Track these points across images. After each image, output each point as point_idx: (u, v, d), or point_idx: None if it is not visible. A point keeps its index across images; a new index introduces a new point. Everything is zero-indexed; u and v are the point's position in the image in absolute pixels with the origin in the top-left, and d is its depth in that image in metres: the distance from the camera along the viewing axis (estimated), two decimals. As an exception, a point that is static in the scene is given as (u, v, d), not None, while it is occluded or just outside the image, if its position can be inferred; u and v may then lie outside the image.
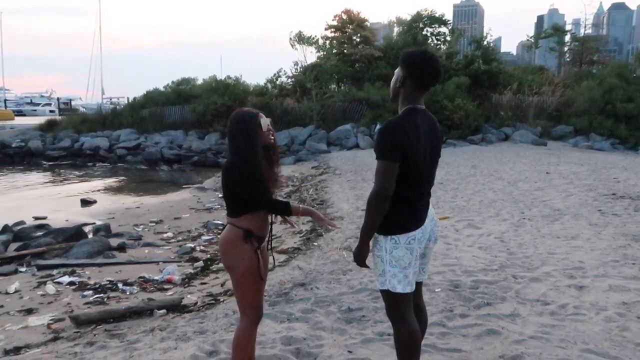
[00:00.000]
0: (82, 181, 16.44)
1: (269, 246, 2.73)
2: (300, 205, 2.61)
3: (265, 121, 2.54)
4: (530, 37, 32.38)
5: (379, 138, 2.28)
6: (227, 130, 2.59)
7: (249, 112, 2.56)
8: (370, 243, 2.41)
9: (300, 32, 23.78)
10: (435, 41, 25.86)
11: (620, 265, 4.85)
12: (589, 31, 35.23)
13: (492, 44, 25.11)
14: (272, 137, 2.58)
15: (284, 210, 2.53)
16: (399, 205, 2.31)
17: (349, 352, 3.18)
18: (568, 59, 29.93)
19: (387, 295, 2.41)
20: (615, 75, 20.64)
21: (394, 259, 2.35)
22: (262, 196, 2.46)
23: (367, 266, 2.44)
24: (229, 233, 2.54)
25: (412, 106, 2.36)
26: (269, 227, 2.65)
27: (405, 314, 2.41)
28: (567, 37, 29.73)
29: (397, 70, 2.41)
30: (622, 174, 11.36)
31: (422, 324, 2.65)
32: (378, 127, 19.75)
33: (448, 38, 26.02)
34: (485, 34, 25.35)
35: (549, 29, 30.03)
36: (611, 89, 19.57)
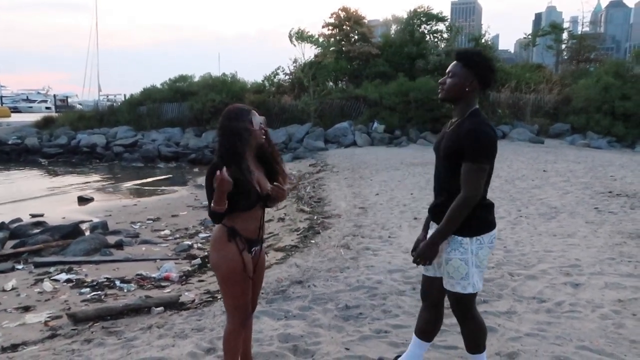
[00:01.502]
0: (79, 178, 16.41)
1: (262, 244, 2.65)
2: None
3: (257, 119, 2.44)
4: (528, 35, 32.40)
5: (478, 141, 2.24)
6: (217, 127, 2.48)
7: (241, 110, 2.45)
8: (445, 249, 2.39)
9: (300, 29, 23.73)
10: (433, 38, 25.84)
11: (616, 262, 4.88)
12: (587, 29, 35.43)
13: (490, 42, 25.12)
14: (264, 137, 2.48)
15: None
16: (483, 206, 2.36)
17: (346, 349, 3.19)
18: (565, 57, 29.95)
19: (466, 297, 2.42)
20: (613, 74, 20.67)
21: (478, 259, 2.37)
22: (249, 198, 2.40)
23: (429, 264, 2.40)
24: (216, 231, 2.49)
25: (478, 107, 2.37)
26: (261, 229, 2.55)
27: (476, 310, 2.54)
28: (565, 35, 29.74)
29: (457, 70, 2.35)
30: (619, 171, 11.40)
31: (438, 326, 2.72)
32: (376, 125, 19.88)
33: (445, 35, 26.01)
34: (483, 32, 25.35)
35: (547, 27, 30.04)
36: (608, 87, 19.60)
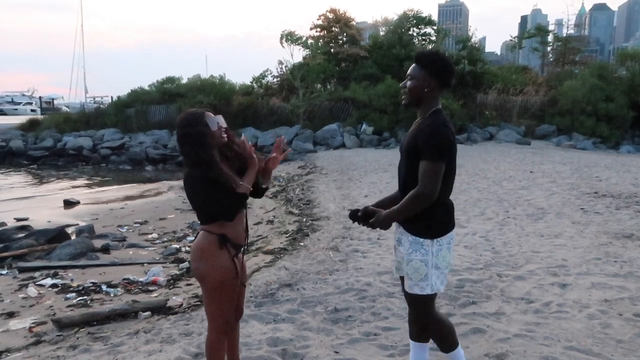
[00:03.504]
0: (65, 181, 16.21)
1: (245, 248, 2.56)
2: (242, 183, 2.37)
3: (213, 120, 2.35)
4: (514, 37, 32.73)
5: (433, 139, 2.26)
6: (177, 137, 2.40)
7: (193, 114, 2.36)
8: (406, 250, 2.41)
9: (290, 31, 23.72)
10: (421, 41, 25.99)
11: (602, 263, 4.93)
12: (572, 31, 35.71)
13: (476, 44, 25.31)
14: (225, 135, 2.38)
15: (245, 198, 2.38)
16: (442, 208, 2.36)
17: (336, 352, 3.18)
18: (551, 59, 30.29)
19: (425, 298, 2.42)
20: (597, 76, 20.95)
21: (438, 260, 2.38)
22: (235, 198, 2.32)
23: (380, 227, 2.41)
24: (203, 239, 2.37)
25: (439, 107, 2.39)
26: (247, 233, 2.50)
27: (435, 311, 2.51)
28: (550, 37, 30.08)
29: (415, 73, 2.38)
30: (604, 172, 11.54)
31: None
32: (364, 126, 19.92)
33: (433, 38, 26.17)
34: (471, 35, 25.52)
35: (533, 30, 30.35)
36: (592, 89, 19.86)
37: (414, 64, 2.42)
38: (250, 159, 2.41)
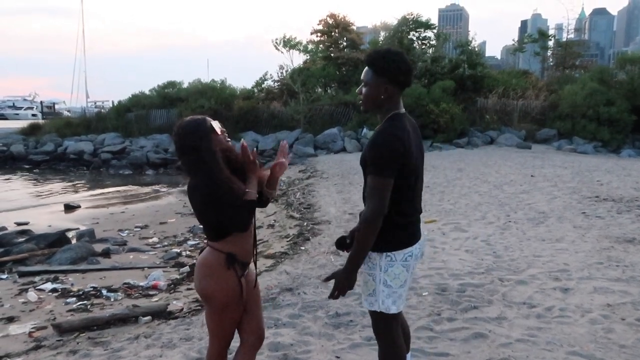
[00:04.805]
0: (65, 186, 16.22)
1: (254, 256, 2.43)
2: (249, 190, 2.20)
3: (216, 123, 2.24)
4: (516, 41, 32.85)
5: (375, 152, 2.06)
6: (175, 146, 2.24)
7: (195, 120, 2.21)
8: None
9: (286, 36, 23.83)
10: (421, 45, 26.05)
11: (604, 267, 4.91)
12: (572, 36, 35.80)
13: (476, 48, 25.35)
14: (228, 139, 2.28)
15: (254, 205, 2.22)
16: (396, 220, 2.12)
17: (337, 357, 3.16)
18: (551, 63, 30.36)
19: (379, 315, 2.25)
20: (597, 80, 20.97)
21: (389, 277, 2.17)
22: (244, 207, 2.16)
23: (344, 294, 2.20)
24: (209, 256, 2.24)
25: (398, 112, 2.16)
26: (254, 249, 2.37)
27: (395, 334, 2.28)
28: (550, 42, 30.16)
29: (369, 78, 2.15)
30: (605, 176, 11.53)
31: (406, 338, 2.55)
32: (365, 130, 19.94)
33: (433, 42, 26.22)
34: (471, 39, 25.58)
35: (534, 35, 30.43)
36: (593, 93, 19.88)
37: (366, 67, 2.18)
38: (251, 165, 2.22)
